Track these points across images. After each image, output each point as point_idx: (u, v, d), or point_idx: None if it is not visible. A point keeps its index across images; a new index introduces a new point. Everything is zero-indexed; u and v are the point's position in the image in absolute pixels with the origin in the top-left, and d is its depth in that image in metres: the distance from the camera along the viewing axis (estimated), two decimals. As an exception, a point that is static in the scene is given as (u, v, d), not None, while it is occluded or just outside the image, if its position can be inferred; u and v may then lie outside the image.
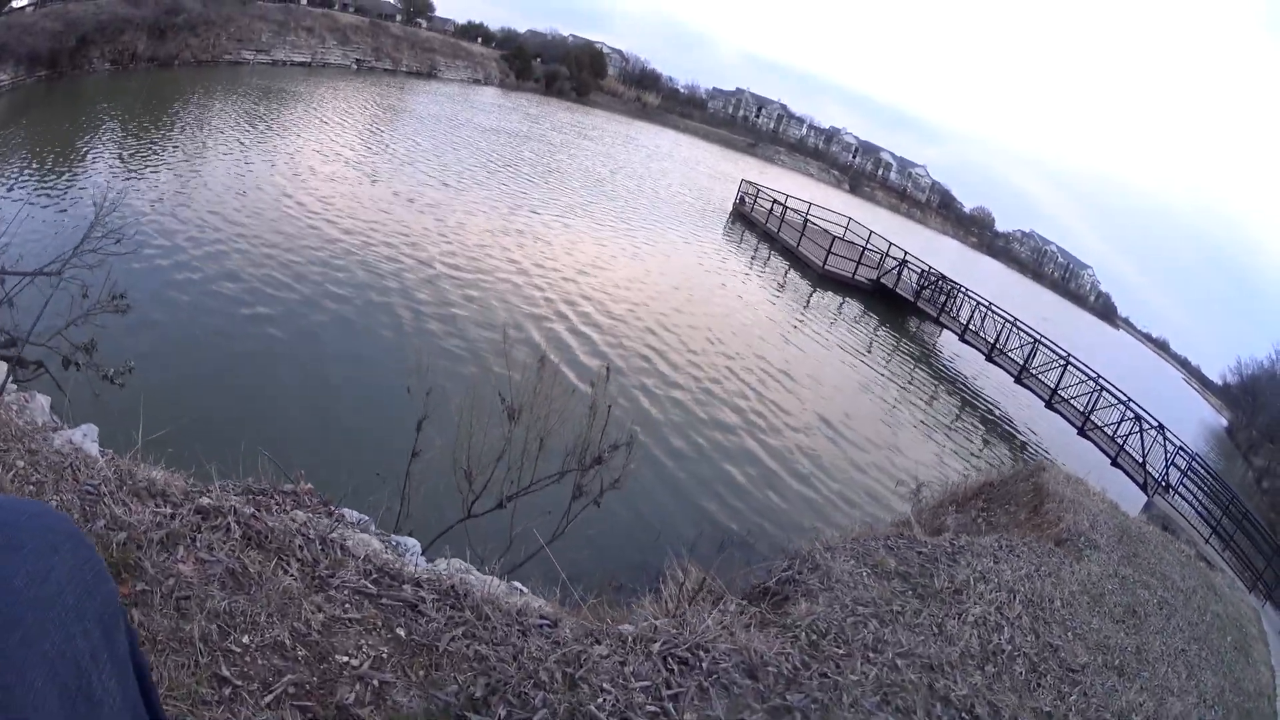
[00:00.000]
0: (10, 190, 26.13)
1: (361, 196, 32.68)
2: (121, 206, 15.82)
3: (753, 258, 45.56)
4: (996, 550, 8.17)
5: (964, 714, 5.38)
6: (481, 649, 4.13)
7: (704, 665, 4.73)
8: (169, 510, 4.36)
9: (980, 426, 28.36)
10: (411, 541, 6.95)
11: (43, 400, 7.11)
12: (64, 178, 28.22)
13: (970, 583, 7.22)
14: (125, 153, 33.08)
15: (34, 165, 29.75)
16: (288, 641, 3.66)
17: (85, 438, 6.20)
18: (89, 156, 32.07)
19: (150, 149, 34.16)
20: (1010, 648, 6.47)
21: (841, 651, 5.56)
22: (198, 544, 4.10)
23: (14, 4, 53.49)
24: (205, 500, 4.59)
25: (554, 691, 4.00)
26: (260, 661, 3.52)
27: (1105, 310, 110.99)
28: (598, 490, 9.68)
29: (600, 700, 4.05)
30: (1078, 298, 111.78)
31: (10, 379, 7.74)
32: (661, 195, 55.21)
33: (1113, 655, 7.16)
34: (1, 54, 44.49)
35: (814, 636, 5.68)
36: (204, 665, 3.33)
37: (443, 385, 10.09)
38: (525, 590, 6.86)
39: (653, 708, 4.16)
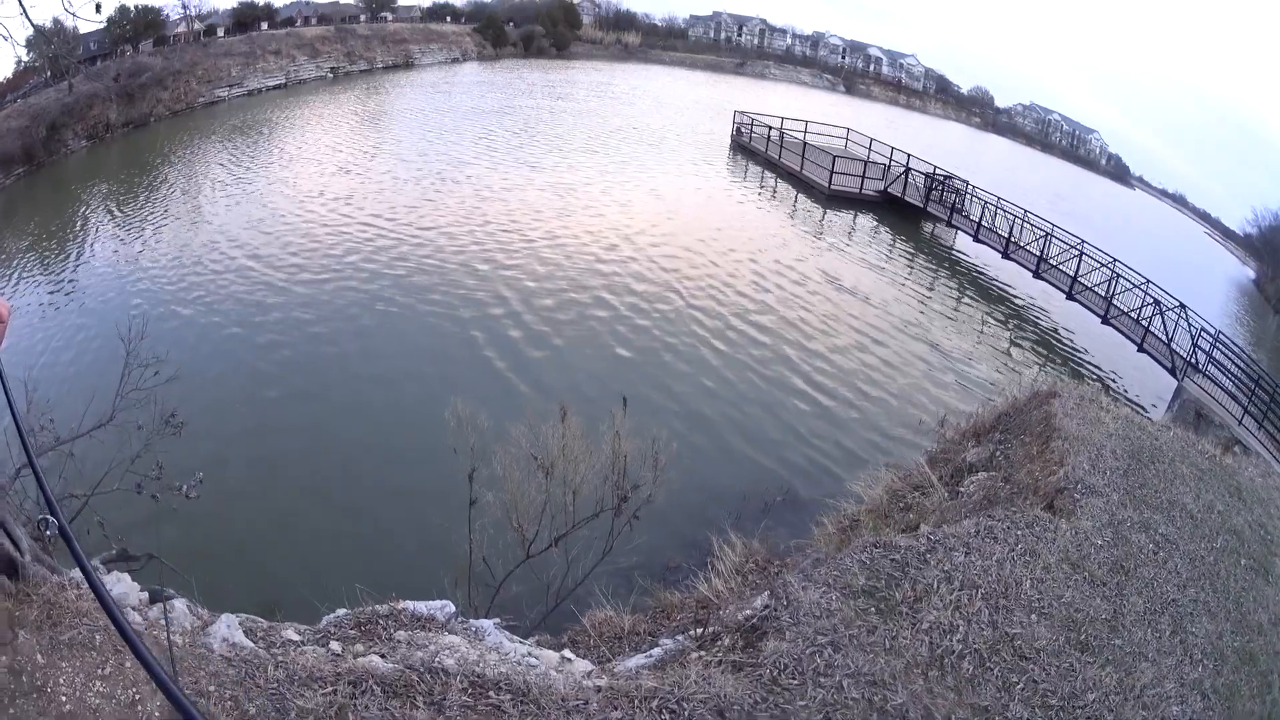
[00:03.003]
0: (19, 290, 26.52)
1: (362, 212, 33.50)
2: (150, 322, 16.23)
3: (760, 187, 45.76)
4: (971, 538, 8.32)
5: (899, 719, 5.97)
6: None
7: (686, 712, 5.87)
8: (330, 689, 5.66)
9: (1006, 328, 28.50)
10: (487, 624, 8.18)
11: (179, 605, 7.51)
12: (70, 270, 28.60)
13: (934, 586, 7.54)
14: (122, 230, 33.70)
15: (39, 266, 30.04)
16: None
17: (230, 628, 7.04)
18: (89, 242, 32.48)
19: (145, 214, 35.08)
20: (961, 647, 6.82)
21: (796, 682, 6.23)
22: (357, 707, 5.47)
23: None
24: (347, 665, 6.04)
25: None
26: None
27: (1118, 172, 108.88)
28: (633, 511, 11.03)
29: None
30: (1088, 163, 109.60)
31: (145, 593, 8.02)
32: (659, 139, 55.49)
33: (1079, 630, 7.33)
34: None
35: (775, 672, 6.33)
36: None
37: (487, 447, 10.84)
38: (572, 656, 8.14)
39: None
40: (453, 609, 8.17)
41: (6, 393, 1.76)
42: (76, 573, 8.18)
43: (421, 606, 8.08)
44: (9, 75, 57.62)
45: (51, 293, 26.94)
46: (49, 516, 1.59)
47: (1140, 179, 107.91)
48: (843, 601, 7.23)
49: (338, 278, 25.86)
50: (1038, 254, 31.56)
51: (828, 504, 13.69)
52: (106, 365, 16.32)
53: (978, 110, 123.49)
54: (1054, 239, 31.33)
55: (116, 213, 36.65)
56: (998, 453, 12.22)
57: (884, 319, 26.26)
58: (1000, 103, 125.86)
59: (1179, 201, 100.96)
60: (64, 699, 5.52)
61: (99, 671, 5.82)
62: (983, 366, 23.95)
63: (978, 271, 34.31)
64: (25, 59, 54.30)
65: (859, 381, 21.74)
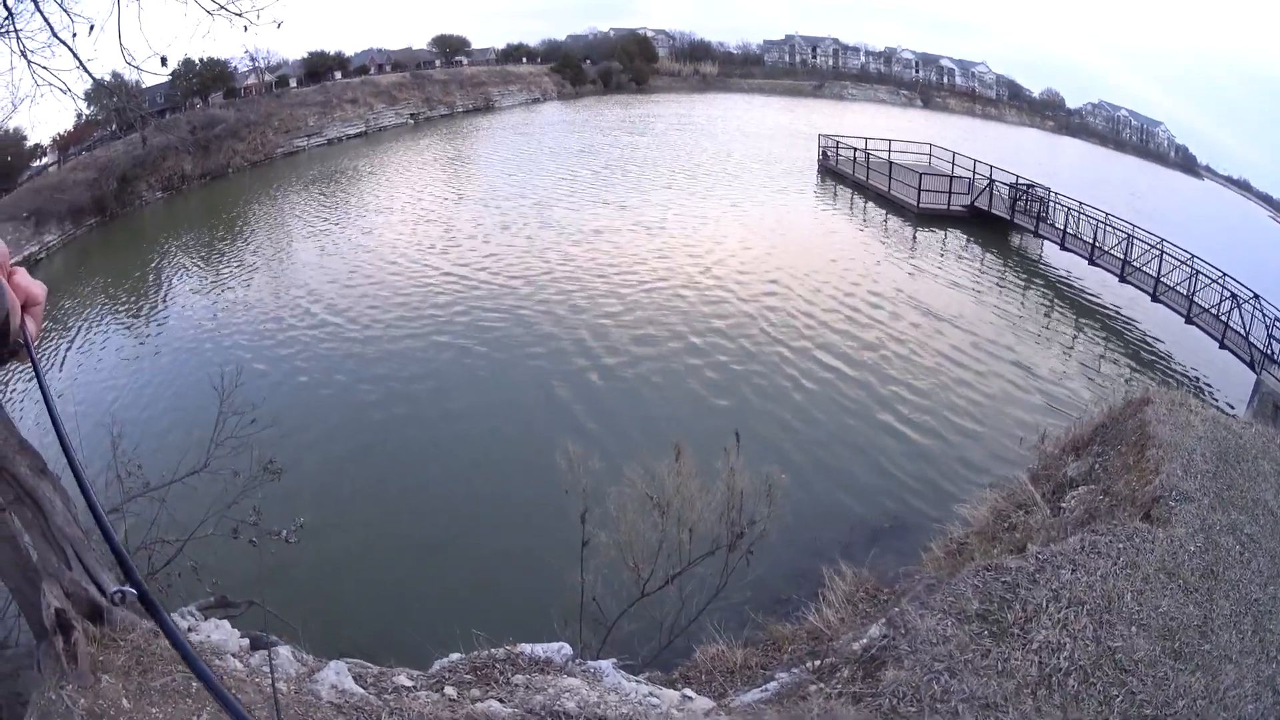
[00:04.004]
0: (106, 338, 26.98)
1: (448, 260, 33.92)
2: (243, 375, 16.50)
3: (850, 210, 45.98)
4: (1076, 554, 8.75)
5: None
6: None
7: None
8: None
9: (1097, 338, 28.33)
10: (605, 665, 8.53)
11: (283, 651, 7.62)
12: (156, 322, 29.23)
13: (1043, 605, 7.89)
14: (206, 281, 34.61)
15: (122, 315, 30.55)
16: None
17: (339, 675, 7.29)
18: (172, 293, 33.31)
19: (229, 266, 36.18)
20: (1067, 664, 7.21)
21: (914, 710, 6.56)
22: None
23: (36, 165, 54.80)
24: (465, 710, 6.41)
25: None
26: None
27: (1186, 163, 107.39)
28: (747, 547, 11.19)
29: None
30: (1158, 156, 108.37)
31: (245, 639, 8.13)
32: (745, 169, 55.44)
33: (1174, 639, 7.65)
34: (40, 217, 45.50)
35: (894, 701, 6.63)
36: None
37: (598, 488, 11.19)
38: (693, 695, 8.53)
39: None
40: (569, 651, 8.35)
41: (53, 415, 1.61)
42: (171, 618, 8.28)
43: (539, 649, 8.23)
44: (70, 129, 58.49)
45: (139, 343, 27.60)
46: (125, 589, 1.40)
47: (1207, 168, 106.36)
48: (957, 627, 7.61)
49: (431, 328, 26.52)
50: (1122, 257, 31.32)
51: (934, 528, 13.96)
52: (197, 415, 16.71)
53: (1050, 114, 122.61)
54: (1136, 240, 31.10)
55: (200, 264, 37.61)
56: (1096, 465, 12.43)
57: (976, 338, 26.37)
58: (1071, 103, 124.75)
59: (1243, 187, 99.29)
60: (150, 743, 5.56)
61: (193, 719, 5.87)
62: (1076, 380, 23.91)
63: (1065, 283, 33.99)
64: (87, 112, 55.22)
65: (960, 403, 21.87)
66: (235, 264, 36.63)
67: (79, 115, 56.81)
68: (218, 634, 7.97)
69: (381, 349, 24.91)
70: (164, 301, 32.80)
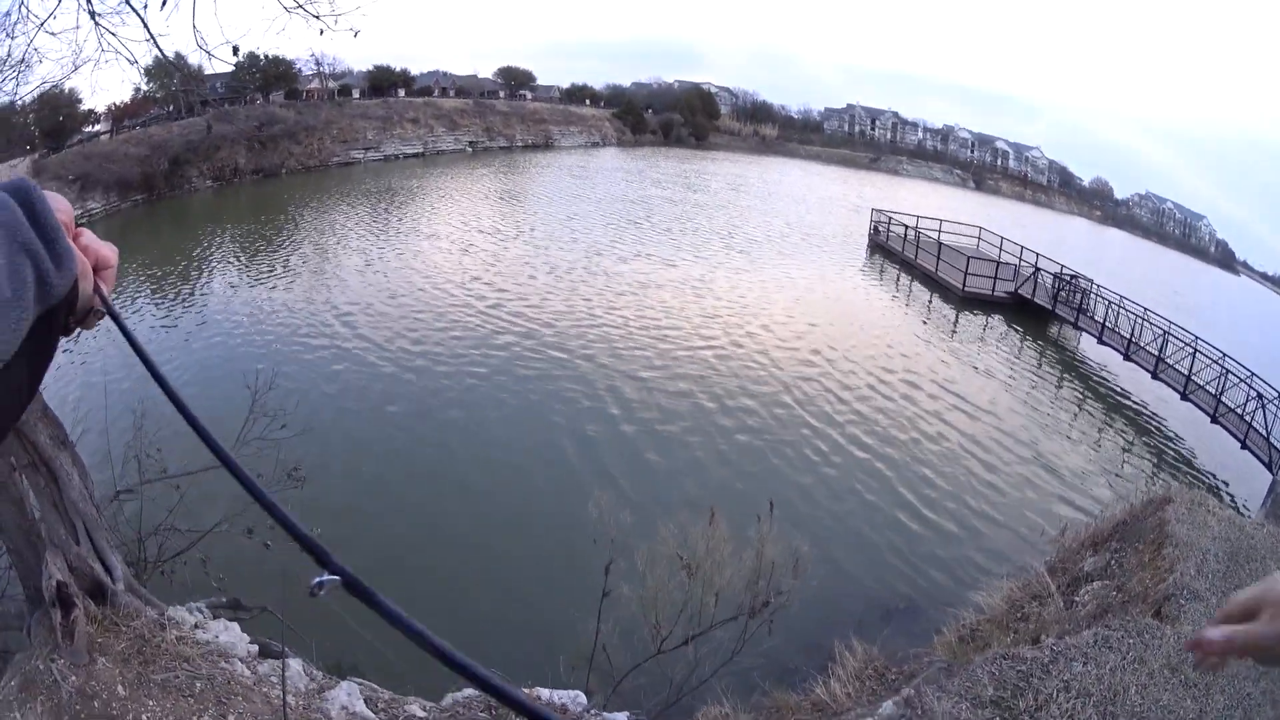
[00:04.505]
0: (141, 317, 27.12)
1: (492, 291, 33.94)
2: (279, 374, 16.54)
3: (896, 288, 45.91)
4: (1089, 648, 8.88)
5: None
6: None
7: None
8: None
9: (1123, 436, 28.27)
10: (620, 718, 8.12)
11: (294, 664, 7.58)
12: (194, 310, 29.48)
13: (1054, 695, 8.01)
14: (248, 278, 34.89)
15: (160, 297, 30.72)
16: None
17: (351, 696, 7.42)
18: (212, 284, 33.72)
19: (272, 265, 36.53)
20: None
21: None
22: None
23: (88, 130, 55.10)
24: None
25: None
26: None
27: (1224, 258, 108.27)
28: (769, 616, 11.40)
29: None
30: (1199, 251, 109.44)
31: (254, 645, 8.14)
32: (795, 237, 55.56)
33: None
34: (86, 183, 46.32)
35: None
36: None
37: (625, 541, 11.13)
38: None
39: None
40: (584, 700, 8.33)
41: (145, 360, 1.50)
42: (180, 613, 8.28)
43: (556, 695, 8.20)
44: (126, 101, 59.66)
45: (172, 326, 27.91)
46: (325, 577, 1.20)
47: (1245, 264, 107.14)
48: (972, 711, 7.75)
49: (466, 360, 26.45)
50: (1156, 354, 31.58)
51: (948, 612, 13.84)
52: (223, 410, 16.66)
53: (1098, 203, 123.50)
54: (1171, 337, 31.43)
55: (242, 259, 38.14)
56: (1113, 561, 12.43)
57: (1005, 428, 26.32)
58: (1119, 193, 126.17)
59: (1276, 283, 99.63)
60: (143, 737, 5.54)
61: (193, 719, 5.85)
62: (1100, 477, 23.80)
63: (1098, 377, 34.03)
64: (145, 87, 55.63)
65: (983, 491, 21.78)
66: (277, 265, 37.02)
67: (137, 89, 58.46)
68: (226, 635, 7.96)
69: (414, 373, 24.93)
70: (201, 289, 33.11)
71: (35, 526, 6.56)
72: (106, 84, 62.98)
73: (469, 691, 8.15)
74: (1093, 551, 13.29)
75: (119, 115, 60.01)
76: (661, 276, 39.08)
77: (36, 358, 1.27)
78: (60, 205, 1.29)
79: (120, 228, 44.55)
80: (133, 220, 47.30)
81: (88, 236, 1.41)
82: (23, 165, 46.99)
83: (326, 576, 1.18)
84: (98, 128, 58.45)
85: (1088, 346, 36.98)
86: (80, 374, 24.09)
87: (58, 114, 52.24)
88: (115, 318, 1.47)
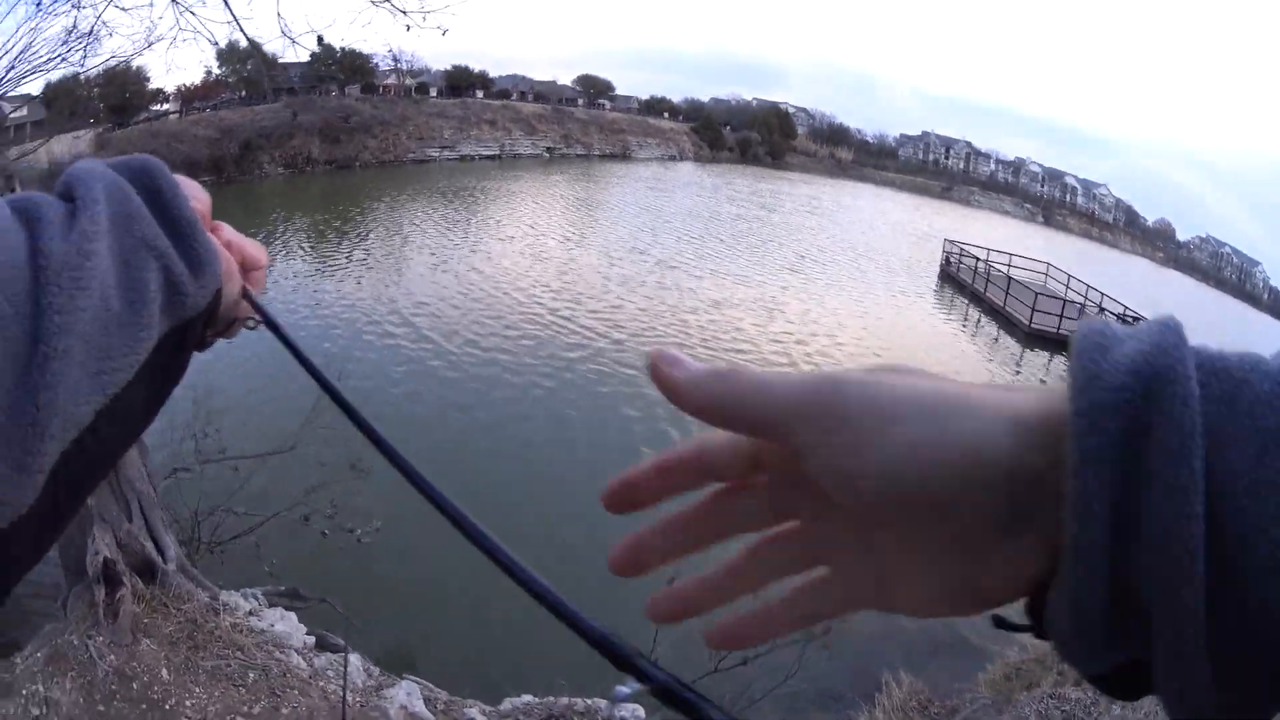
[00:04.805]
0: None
1: (560, 301, 33.73)
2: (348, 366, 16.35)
3: (964, 321, 45.53)
4: None
5: None
6: None
7: None
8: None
9: None
10: None
11: (354, 659, 7.44)
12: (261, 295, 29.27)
13: None
14: (316, 267, 35.35)
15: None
16: None
17: (411, 696, 7.29)
18: (281, 272, 33.57)
19: (341, 257, 36.83)
20: None
21: None
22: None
23: (155, 109, 55.58)
24: None
25: None
26: None
27: (1276, 306, 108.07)
28: (829, 640, 11.40)
29: None
30: (1252, 298, 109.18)
31: (311, 636, 8.01)
32: (867, 262, 55.39)
33: None
34: None
35: None
36: None
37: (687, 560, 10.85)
38: None
39: None
40: (643, 714, 8.03)
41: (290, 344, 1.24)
42: (234, 598, 8.10)
43: (617, 710, 7.97)
44: (197, 83, 60.20)
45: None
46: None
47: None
48: None
49: (530, 366, 26.07)
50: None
51: (993, 650, 13.74)
52: (283, 395, 16.52)
53: (1161, 244, 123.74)
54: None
55: (310, 249, 38.27)
56: None
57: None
58: (1181, 234, 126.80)
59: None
60: (185, 722, 5.35)
61: (244, 709, 5.62)
62: None
63: None
64: (218, 71, 56.24)
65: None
66: (346, 257, 37.12)
67: (208, 72, 58.80)
68: (282, 625, 7.84)
69: (477, 377, 24.75)
70: (276, 278, 32.98)
71: (81, 500, 6.22)
72: (178, 63, 63.77)
73: (527, 698, 8.04)
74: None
75: (188, 96, 60.52)
76: (735, 295, 38.80)
77: (161, 379, 0.97)
78: (195, 192, 1.10)
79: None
80: (199, 201, 47.36)
81: (228, 231, 1.23)
82: (87, 138, 47.32)
83: (632, 686, 0.76)
84: (165, 106, 59.06)
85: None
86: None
87: (124, 90, 52.47)
88: (276, 328, 1.25)
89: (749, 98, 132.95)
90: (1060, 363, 37.46)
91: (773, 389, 0.62)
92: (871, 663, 13.01)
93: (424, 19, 10.76)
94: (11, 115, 44.09)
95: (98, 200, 0.86)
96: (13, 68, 11.91)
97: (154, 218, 0.93)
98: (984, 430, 0.54)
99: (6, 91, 13.60)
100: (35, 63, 11.84)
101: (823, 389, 0.60)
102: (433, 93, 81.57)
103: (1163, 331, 0.55)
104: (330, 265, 35.11)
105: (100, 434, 0.81)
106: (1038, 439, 0.53)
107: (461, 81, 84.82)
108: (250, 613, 7.92)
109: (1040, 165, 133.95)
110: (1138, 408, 0.49)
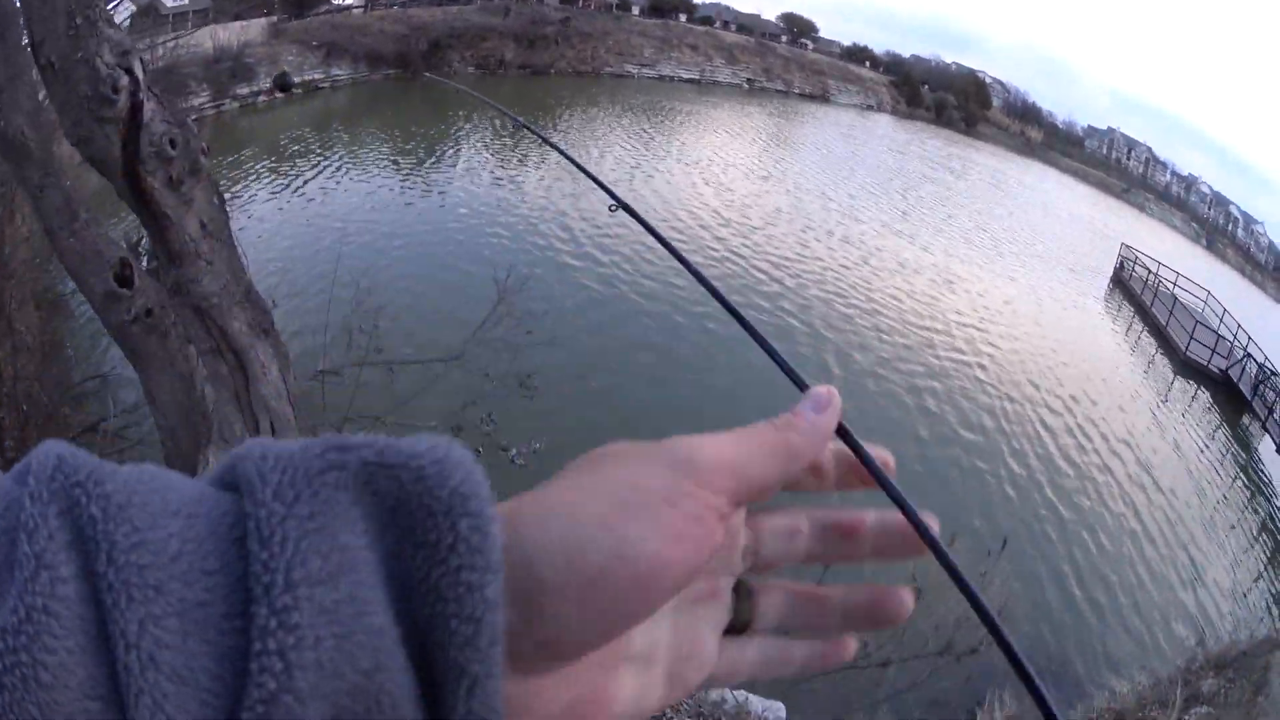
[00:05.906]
0: (377, 180, 28.04)
1: (738, 238, 34.08)
2: (528, 282, 16.81)
3: (1126, 333, 44.34)
4: None
5: None
6: None
7: None
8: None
9: (1262, 557, 26.69)
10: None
11: None
12: (439, 190, 31.52)
13: None
14: (502, 162, 36.70)
15: (398, 162, 33.65)
16: None
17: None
18: (466, 168, 35.73)
19: (527, 160, 37.18)
20: None
21: None
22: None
23: (336, 3, 56.01)
24: None
25: None
26: None
27: None
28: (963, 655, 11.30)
29: None
30: None
31: None
32: (1049, 250, 54.92)
33: None
34: (333, 50, 48.30)
35: None
36: None
37: None
38: None
39: None
40: (783, 712, 8.70)
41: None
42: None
43: (756, 703, 8.58)
44: None
45: (408, 203, 29.64)
46: None
47: None
48: None
49: (709, 307, 25.37)
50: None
51: (1079, 690, 14.04)
52: (453, 300, 16.98)
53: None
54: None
55: (496, 152, 38.84)
56: (1223, 690, 12.55)
57: (1173, 517, 25.51)
58: None
59: None
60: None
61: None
62: (1228, 596, 22.94)
63: (1268, 487, 32.39)
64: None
65: (1130, 574, 21.41)
66: (532, 165, 36.64)
67: None
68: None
69: (651, 311, 24.66)
70: (447, 170, 34.51)
71: (199, 407, 5.63)
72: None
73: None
74: (1214, 673, 13.44)
75: (376, -7, 60.67)
76: (920, 261, 38.80)
77: None
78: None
79: (368, 95, 46.90)
80: (381, 91, 48.79)
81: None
82: (257, 25, 46.99)
83: None
84: (350, 1, 58.91)
85: (1267, 451, 35.03)
86: (313, 236, 24.82)
87: (304, -19, 53.14)
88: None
89: (949, 61, 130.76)
90: (1202, 398, 36.90)
91: None
92: (978, 681, 12.86)
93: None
94: (171, 5, 44.87)
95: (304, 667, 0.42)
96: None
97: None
98: None
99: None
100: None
101: None
102: (634, 10, 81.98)
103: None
104: (515, 170, 36.06)
105: None
106: None
107: (664, 3, 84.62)
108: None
109: (1209, 187, 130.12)
110: None
